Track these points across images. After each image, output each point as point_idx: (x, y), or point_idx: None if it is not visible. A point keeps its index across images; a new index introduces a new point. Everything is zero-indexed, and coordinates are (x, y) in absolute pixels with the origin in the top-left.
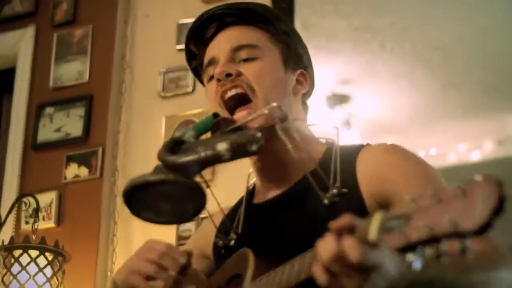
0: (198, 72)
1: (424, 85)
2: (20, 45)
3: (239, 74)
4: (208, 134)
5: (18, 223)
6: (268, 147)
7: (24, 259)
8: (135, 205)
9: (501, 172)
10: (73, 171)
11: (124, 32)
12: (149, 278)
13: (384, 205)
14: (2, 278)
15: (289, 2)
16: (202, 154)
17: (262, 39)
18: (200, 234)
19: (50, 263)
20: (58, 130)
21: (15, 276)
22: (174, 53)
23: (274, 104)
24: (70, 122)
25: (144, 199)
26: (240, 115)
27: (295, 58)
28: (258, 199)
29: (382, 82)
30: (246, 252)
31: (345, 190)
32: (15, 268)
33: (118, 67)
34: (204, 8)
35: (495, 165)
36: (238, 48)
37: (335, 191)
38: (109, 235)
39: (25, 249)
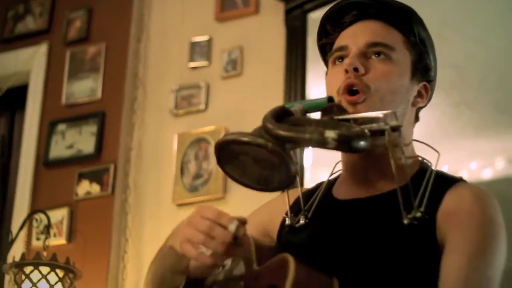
0: (324, 50)
1: (436, 103)
2: (33, 62)
3: (366, 72)
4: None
5: (29, 240)
6: (371, 150)
7: (35, 275)
8: (224, 158)
9: None
10: (85, 188)
11: (137, 50)
12: (202, 246)
13: (443, 242)
14: None
15: (301, 19)
16: (308, 135)
17: (399, 42)
18: (268, 210)
19: (61, 280)
20: (70, 147)
21: None
22: (187, 71)
23: (392, 111)
24: (82, 139)
25: (234, 156)
26: (348, 99)
27: (424, 69)
28: (338, 193)
29: None
30: (287, 259)
31: (426, 216)
32: (26, 284)
33: (131, 84)
34: (217, 26)
35: (507, 183)
36: (373, 44)
37: (418, 214)
38: (120, 252)
39: (36, 266)
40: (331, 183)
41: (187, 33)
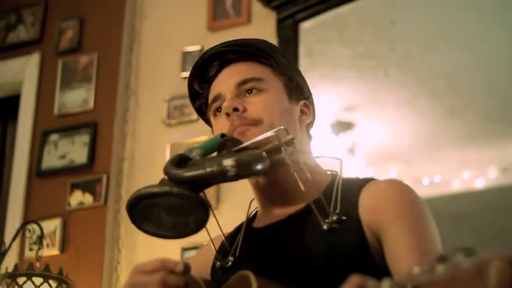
0: (202, 111)
1: (427, 112)
2: (25, 72)
3: (245, 109)
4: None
5: (22, 250)
6: (273, 170)
7: (28, 286)
8: (138, 216)
9: (505, 200)
10: (78, 198)
11: (129, 60)
12: None
13: (377, 236)
14: None
15: (293, 29)
16: (208, 169)
17: (265, 72)
18: (199, 260)
19: None
20: (63, 157)
21: None
22: (179, 81)
23: (282, 127)
24: (75, 149)
25: (147, 211)
26: (240, 130)
27: (297, 89)
28: (258, 224)
29: (386, 110)
30: (247, 275)
31: (344, 217)
32: None
33: (123, 94)
34: (209, 35)
35: (500, 193)
36: (243, 82)
37: (334, 217)
38: (113, 263)
39: (29, 277)
40: (251, 219)
41: (179, 43)
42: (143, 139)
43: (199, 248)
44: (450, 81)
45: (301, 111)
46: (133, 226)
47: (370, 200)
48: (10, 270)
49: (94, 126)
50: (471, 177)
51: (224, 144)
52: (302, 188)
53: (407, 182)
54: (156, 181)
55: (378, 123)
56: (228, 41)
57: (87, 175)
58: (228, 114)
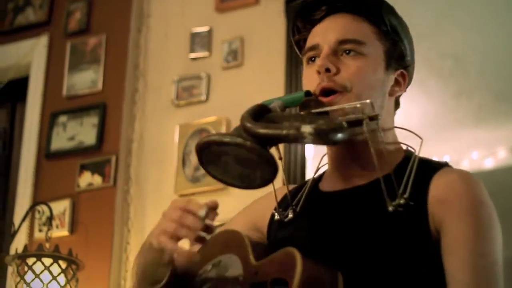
0: (299, 45)
1: (436, 92)
2: (33, 54)
3: (338, 71)
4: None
5: (31, 231)
6: (350, 140)
7: (38, 267)
8: (206, 158)
9: None
10: (87, 179)
11: (137, 41)
12: (175, 236)
13: (438, 229)
14: (16, 286)
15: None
16: (285, 131)
17: (370, 35)
18: (257, 207)
19: (63, 271)
20: (72, 138)
21: (28, 284)
22: (188, 62)
23: (368, 101)
24: (84, 131)
25: (216, 156)
26: (325, 100)
27: (399, 57)
28: (324, 186)
29: None
30: (293, 253)
31: (411, 203)
32: (29, 276)
33: (132, 75)
34: (217, 16)
35: (509, 172)
36: (344, 42)
37: (402, 201)
38: (123, 243)
39: (39, 257)
40: (318, 178)
41: (187, 24)
42: (152, 120)
43: None
44: (458, 61)
45: (396, 81)
46: (142, 206)
47: (439, 190)
48: (19, 251)
49: (103, 108)
50: (480, 157)
51: (307, 103)
52: (376, 164)
53: None
54: (165, 162)
55: None
56: None
57: (96, 156)
58: (319, 72)
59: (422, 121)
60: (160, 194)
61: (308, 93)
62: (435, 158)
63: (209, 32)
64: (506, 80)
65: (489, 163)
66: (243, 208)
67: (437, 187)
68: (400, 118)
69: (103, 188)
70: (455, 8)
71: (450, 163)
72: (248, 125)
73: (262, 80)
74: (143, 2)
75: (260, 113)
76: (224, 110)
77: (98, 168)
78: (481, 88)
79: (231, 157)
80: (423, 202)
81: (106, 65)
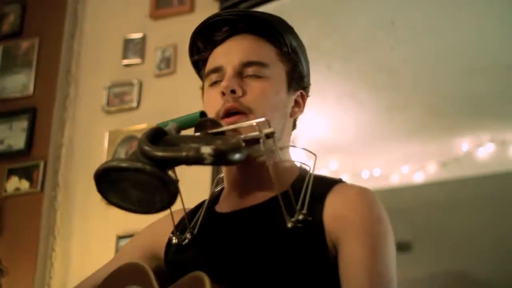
0: (197, 66)
1: (369, 105)
2: None
3: (244, 93)
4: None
5: None
6: (247, 160)
7: None
8: (105, 186)
9: (444, 194)
10: (14, 184)
11: (70, 46)
12: None
13: (335, 245)
14: None
15: None
16: (184, 153)
17: (272, 56)
18: (153, 231)
19: None
20: (1, 142)
21: None
22: (120, 68)
23: (263, 119)
24: (13, 135)
25: (115, 182)
26: (229, 121)
27: (299, 78)
28: (221, 207)
29: (327, 102)
30: (201, 277)
31: (310, 218)
32: None
33: (63, 81)
34: (151, 23)
35: (438, 187)
36: (248, 64)
37: (300, 217)
38: (48, 250)
39: None
40: (214, 199)
41: (121, 30)
42: (82, 125)
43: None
44: (392, 75)
45: (296, 101)
46: (69, 213)
47: (336, 206)
48: None
49: (33, 112)
50: (410, 171)
51: (203, 124)
52: (275, 182)
53: (346, 175)
54: (94, 168)
55: (320, 115)
56: (244, 10)
57: (24, 161)
58: (223, 93)
59: (354, 133)
60: (87, 201)
61: (203, 114)
62: (365, 171)
63: (143, 39)
64: (438, 95)
65: (419, 177)
66: (136, 234)
67: (333, 203)
68: (332, 129)
69: (30, 193)
70: (389, 22)
71: (381, 177)
72: (147, 148)
73: (194, 88)
74: (78, 7)
75: (157, 136)
76: (155, 117)
77: (26, 173)
78: (414, 102)
79: (130, 183)
80: (320, 219)
81: (38, 69)
